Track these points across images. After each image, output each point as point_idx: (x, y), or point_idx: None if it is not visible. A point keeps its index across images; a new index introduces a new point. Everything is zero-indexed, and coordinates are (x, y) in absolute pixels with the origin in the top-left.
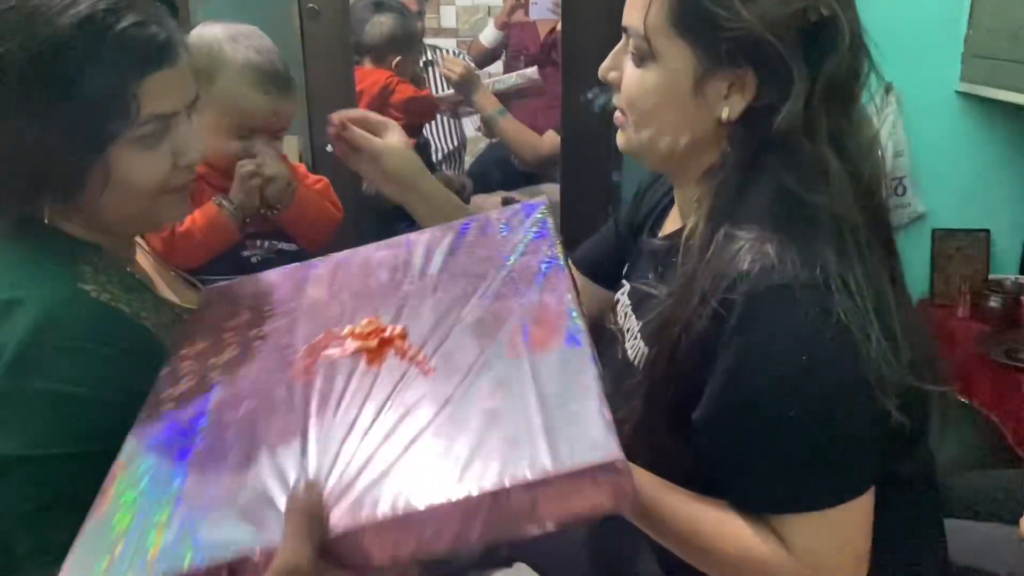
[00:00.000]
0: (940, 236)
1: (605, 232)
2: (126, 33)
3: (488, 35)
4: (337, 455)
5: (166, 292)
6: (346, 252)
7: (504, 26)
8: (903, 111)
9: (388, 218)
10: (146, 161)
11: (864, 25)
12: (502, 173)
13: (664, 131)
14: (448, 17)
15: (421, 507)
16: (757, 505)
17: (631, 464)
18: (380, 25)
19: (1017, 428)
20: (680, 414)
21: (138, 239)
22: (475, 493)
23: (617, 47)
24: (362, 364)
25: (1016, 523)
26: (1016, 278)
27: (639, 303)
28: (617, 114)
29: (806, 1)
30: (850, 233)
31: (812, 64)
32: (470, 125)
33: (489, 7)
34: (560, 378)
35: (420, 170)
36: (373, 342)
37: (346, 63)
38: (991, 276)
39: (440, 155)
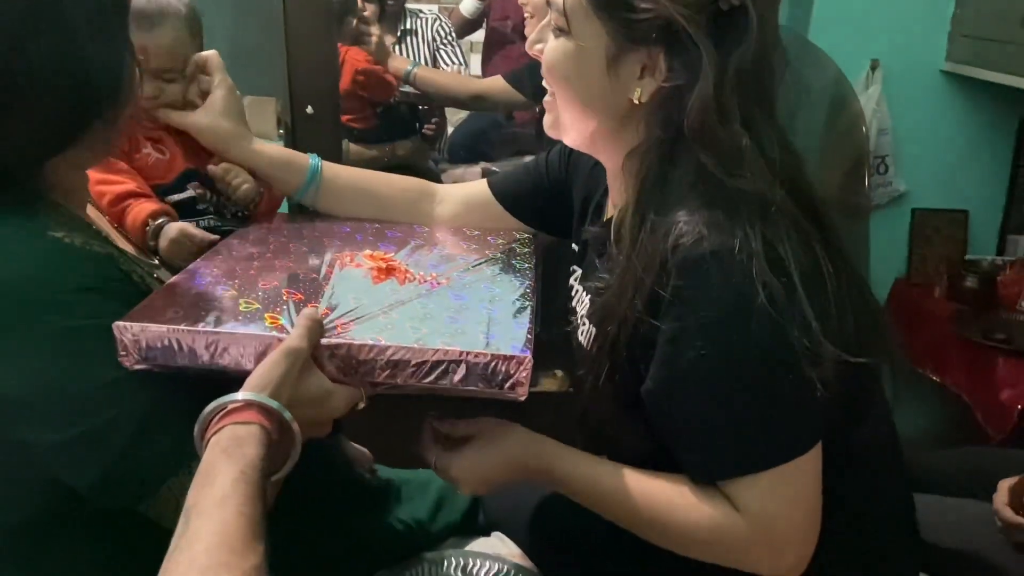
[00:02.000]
0: (920, 216)
1: (532, 171)
2: None
3: (467, 5)
4: (342, 302)
5: (122, 243)
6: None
7: None
8: (888, 89)
9: None
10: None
11: (849, 3)
12: (483, 144)
13: (581, 108)
14: None
15: (387, 344)
16: (707, 473)
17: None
18: None
19: (988, 407)
20: (631, 393)
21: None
22: (425, 346)
23: (543, 20)
24: (370, 276)
25: (984, 499)
26: (993, 259)
27: (587, 286)
28: (547, 96)
29: None
30: (775, 208)
31: (722, 50)
32: None
33: None
34: (506, 309)
35: (235, 136)
36: (383, 264)
37: (328, 25)
38: (968, 257)
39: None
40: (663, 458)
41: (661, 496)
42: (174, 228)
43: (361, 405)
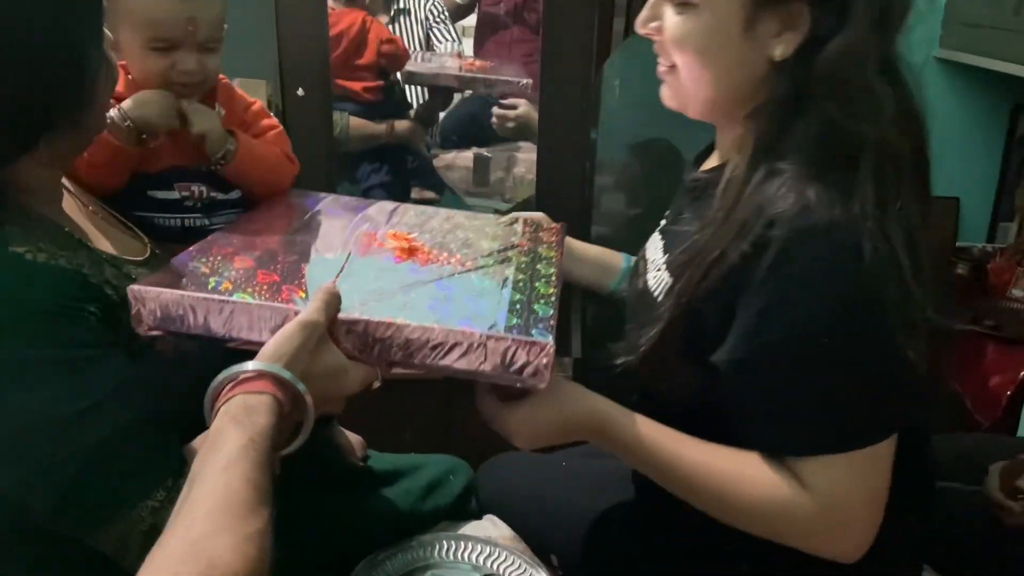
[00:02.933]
0: None
1: None
2: None
3: None
4: (362, 279)
5: (100, 242)
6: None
7: None
8: None
9: (356, 165)
10: (114, 53)
11: None
12: (475, 129)
13: (714, 77)
14: None
15: (405, 322)
16: (781, 446)
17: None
18: None
19: (977, 394)
20: (694, 345)
21: (64, 181)
22: (444, 327)
23: None
24: (393, 256)
25: (970, 484)
26: (983, 246)
27: (669, 236)
28: (660, 69)
29: None
30: (891, 165)
31: None
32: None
33: None
34: (530, 296)
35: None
36: (406, 244)
37: (320, 6)
38: (959, 244)
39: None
40: (708, 418)
41: (724, 467)
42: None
43: (376, 384)
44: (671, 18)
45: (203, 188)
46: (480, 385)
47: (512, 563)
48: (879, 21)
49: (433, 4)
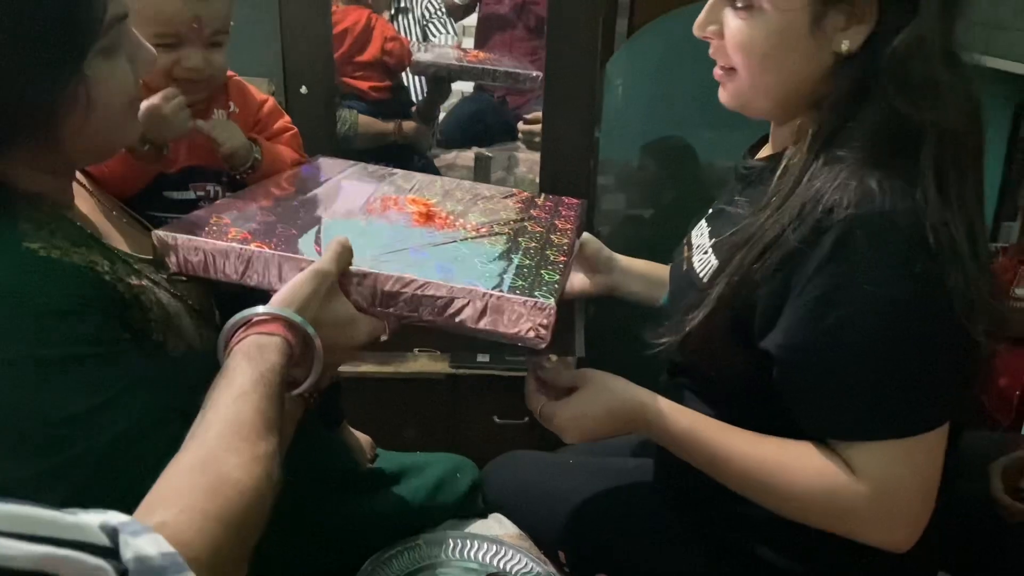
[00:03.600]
0: None
1: None
2: None
3: None
4: (377, 237)
5: (114, 239)
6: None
7: None
8: None
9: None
10: (116, 72)
11: None
12: (477, 128)
13: (778, 76)
14: None
15: (412, 277)
16: (835, 431)
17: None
18: None
19: (987, 390)
20: (741, 328)
21: (78, 176)
22: (450, 283)
23: (712, 1)
24: (411, 219)
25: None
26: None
27: (717, 222)
28: (717, 70)
29: None
30: (952, 154)
31: None
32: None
33: None
34: (538, 261)
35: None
36: (424, 209)
37: (323, 5)
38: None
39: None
40: (753, 402)
41: (775, 455)
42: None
43: (383, 338)
44: (733, 21)
45: (218, 188)
46: (529, 384)
47: (519, 561)
48: (946, 10)
49: (430, 1)
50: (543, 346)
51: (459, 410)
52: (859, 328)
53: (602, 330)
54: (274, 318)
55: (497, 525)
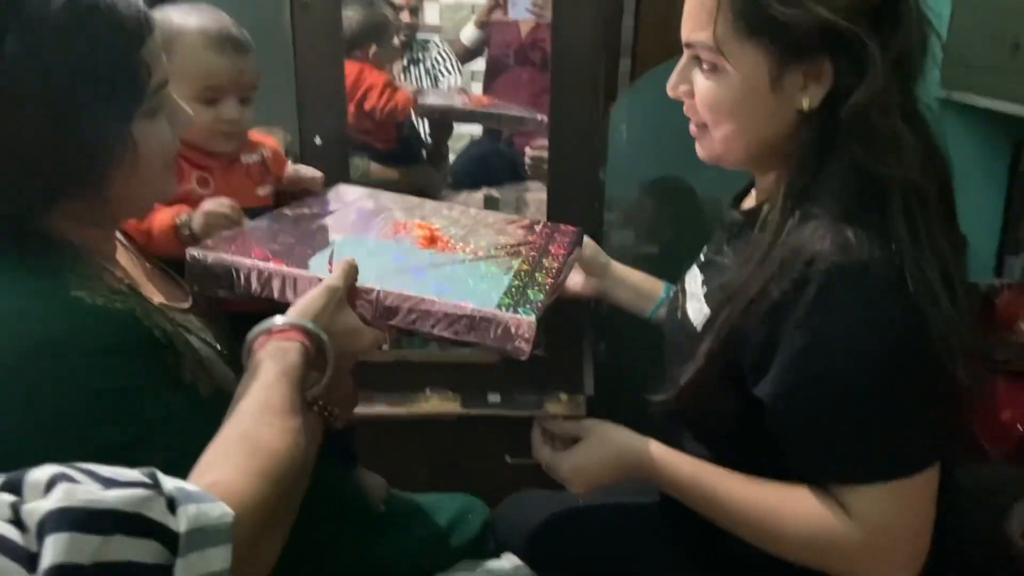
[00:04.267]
0: None
1: None
2: (116, 2)
3: (468, 34)
4: (383, 257)
5: (149, 290)
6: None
7: (484, 25)
8: None
9: None
10: (158, 132)
11: None
12: (486, 170)
13: (746, 132)
14: (432, 14)
15: (411, 294)
16: (827, 474)
17: (684, 456)
18: (347, 20)
19: (989, 429)
20: (734, 377)
21: (117, 234)
22: (444, 300)
23: (682, 62)
24: (417, 242)
25: (995, 517)
26: (991, 282)
27: (708, 270)
28: (692, 127)
29: None
30: (919, 205)
31: (883, 43)
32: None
33: (473, 5)
34: (527, 281)
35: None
36: (428, 233)
37: (337, 57)
38: (967, 280)
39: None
40: (750, 443)
41: (770, 499)
42: (199, 210)
43: (384, 347)
44: (701, 82)
45: None
46: (535, 436)
47: None
48: (898, 68)
49: (439, 52)
50: (524, 357)
51: (471, 450)
52: (845, 375)
53: (612, 369)
54: (293, 327)
55: (508, 565)
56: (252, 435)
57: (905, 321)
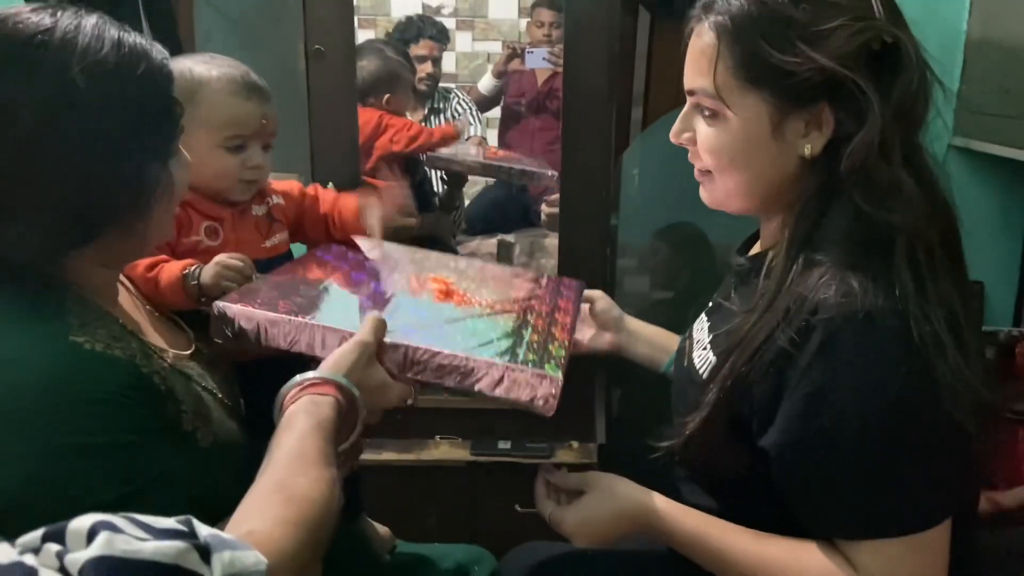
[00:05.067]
0: None
1: None
2: (151, 46)
3: (486, 83)
4: (406, 312)
5: (152, 336)
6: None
7: (500, 75)
8: None
9: None
10: (180, 170)
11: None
12: (499, 215)
13: (749, 178)
14: (448, 63)
15: (439, 350)
16: (834, 530)
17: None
18: (361, 69)
19: (1012, 480)
20: (739, 427)
21: (121, 278)
22: (471, 356)
23: (684, 110)
24: (433, 296)
25: None
26: (1010, 330)
27: (715, 316)
28: (696, 172)
29: (871, 31)
30: (924, 252)
31: (883, 89)
32: None
33: (488, 54)
34: (545, 336)
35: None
36: (444, 287)
37: (351, 105)
38: (985, 328)
39: (439, 191)
40: (758, 495)
41: (775, 554)
42: (212, 262)
43: (410, 401)
44: (703, 129)
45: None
46: (538, 488)
47: None
48: (899, 116)
49: (459, 102)
50: (551, 413)
51: (480, 498)
52: (850, 427)
53: (625, 417)
54: (326, 381)
55: None
56: (287, 485)
57: (910, 370)
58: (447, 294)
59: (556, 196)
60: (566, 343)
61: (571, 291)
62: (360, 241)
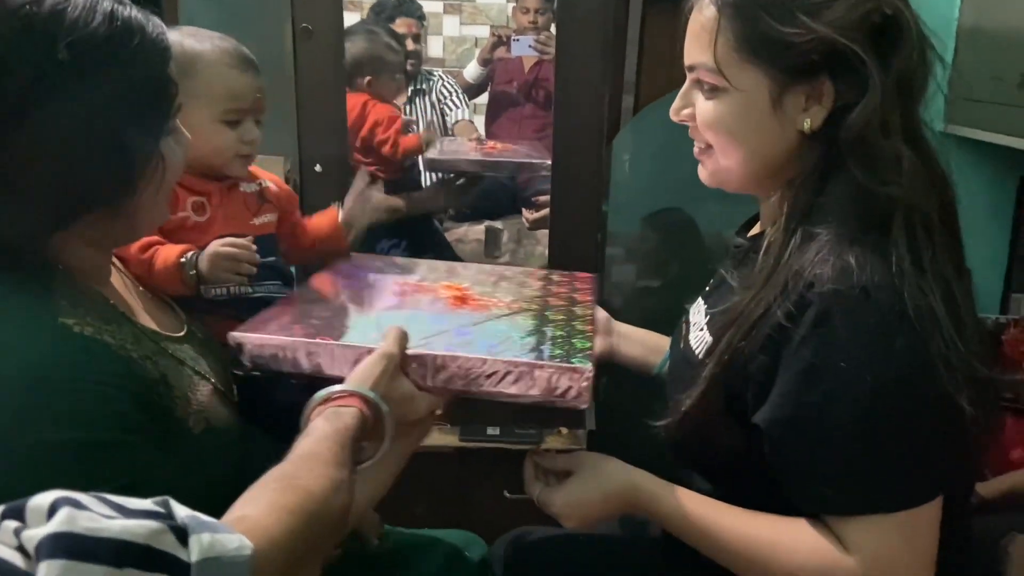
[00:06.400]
0: None
1: None
2: (147, 20)
3: (471, 71)
4: (424, 322)
5: (144, 318)
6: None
7: (486, 62)
8: None
9: (375, 238)
10: (176, 151)
11: None
12: (487, 203)
13: (749, 153)
14: (435, 47)
15: (462, 355)
16: (825, 506)
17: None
18: (346, 50)
19: (999, 469)
20: (735, 404)
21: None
22: (496, 358)
23: (685, 86)
24: (448, 303)
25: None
26: (997, 318)
27: (712, 298)
28: (696, 149)
29: (871, 3)
30: (922, 225)
31: (883, 62)
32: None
33: (476, 38)
34: (569, 331)
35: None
36: (458, 293)
37: (339, 85)
38: (975, 307)
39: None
40: (750, 479)
41: (766, 533)
42: (210, 248)
43: (438, 412)
44: (702, 104)
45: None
46: (527, 470)
47: None
48: (899, 88)
49: (444, 84)
50: (584, 406)
51: (469, 484)
52: (843, 403)
53: (615, 404)
54: (352, 394)
55: None
56: (289, 475)
57: (906, 347)
58: (462, 300)
59: (543, 211)
60: (590, 334)
61: (586, 284)
62: (363, 258)
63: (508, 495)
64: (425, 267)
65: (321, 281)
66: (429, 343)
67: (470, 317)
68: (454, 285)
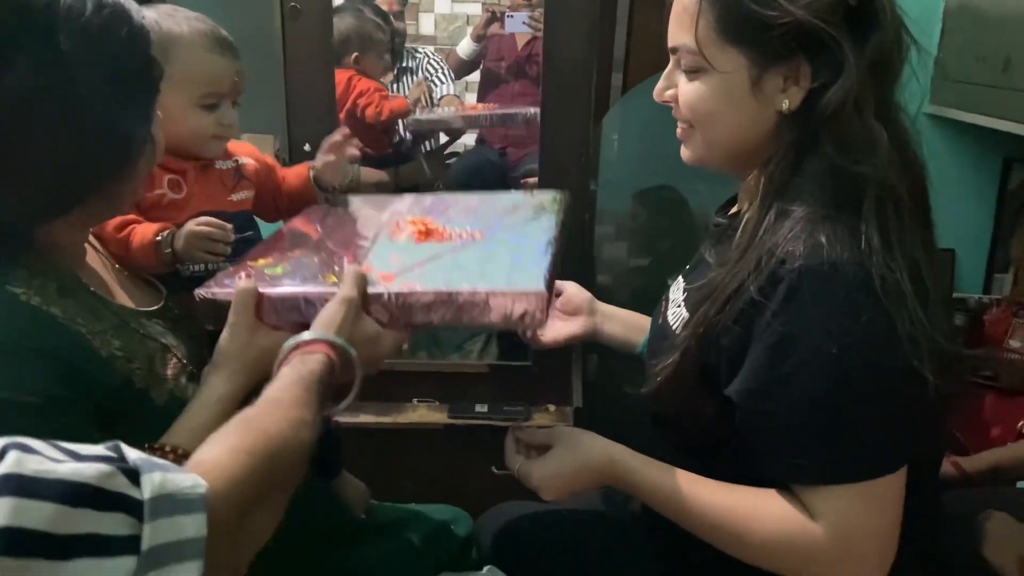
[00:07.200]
0: None
1: None
2: (129, 2)
3: (464, 47)
4: (386, 260)
5: (119, 295)
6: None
7: (480, 38)
8: None
9: None
10: (160, 132)
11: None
12: (478, 180)
13: (729, 133)
14: (426, 24)
15: (421, 289)
16: (792, 476)
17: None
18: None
19: (978, 446)
20: (708, 376)
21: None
22: (453, 289)
23: (668, 68)
24: (414, 238)
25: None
26: (979, 297)
27: (691, 276)
28: (679, 129)
29: None
30: (892, 204)
31: (859, 44)
32: None
33: (468, 16)
34: (528, 254)
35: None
36: (423, 227)
37: (327, 64)
38: (955, 295)
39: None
40: (717, 438)
41: (737, 504)
42: (185, 227)
43: (405, 347)
44: (684, 85)
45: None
46: (508, 444)
47: None
48: (873, 70)
49: (430, 62)
50: (542, 327)
51: (457, 461)
52: (811, 375)
53: (601, 381)
54: (317, 340)
55: None
56: (248, 419)
57: (871, 320)
58: (427, 233)
59: (532, 180)
60: (549, 254)
61: (556, 204)
62: (336, 200)
63: (495, 471)
64: (394, 202)
65: (289, 229)
66: (388, 280)
67: (434, 249)
68: (419, 219)
